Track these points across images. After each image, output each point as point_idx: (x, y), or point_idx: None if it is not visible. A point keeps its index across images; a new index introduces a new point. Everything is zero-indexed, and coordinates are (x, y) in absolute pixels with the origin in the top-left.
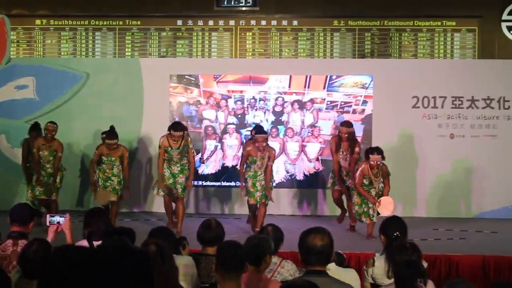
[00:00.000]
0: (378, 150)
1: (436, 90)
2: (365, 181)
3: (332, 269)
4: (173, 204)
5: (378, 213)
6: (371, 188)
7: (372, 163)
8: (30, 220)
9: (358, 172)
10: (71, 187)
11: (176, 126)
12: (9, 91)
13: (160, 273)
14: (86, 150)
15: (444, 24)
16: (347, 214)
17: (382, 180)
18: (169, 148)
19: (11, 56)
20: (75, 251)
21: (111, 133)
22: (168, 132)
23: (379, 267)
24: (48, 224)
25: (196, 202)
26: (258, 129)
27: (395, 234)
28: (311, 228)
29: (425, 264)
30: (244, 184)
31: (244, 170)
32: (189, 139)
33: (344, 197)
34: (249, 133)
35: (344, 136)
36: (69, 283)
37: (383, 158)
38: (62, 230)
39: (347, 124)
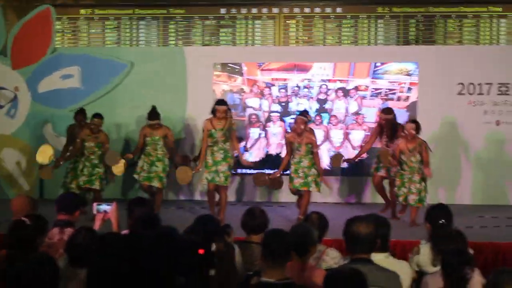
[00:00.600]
0: (412, 120)
1: (481, 77)
2: (403, 157)
3: (383, 259)
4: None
5: (420, 200)
6: (404, 164)
7: (405, 132)
8: (76, 208)
9: (395, 147)
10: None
11: (220, 101)
12: (55, 81)
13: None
14: (130, 139)
15: (489, 9)
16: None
17: (418, 157)
18: (213, 130)
19: (57, 46)
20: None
21: (152, 113)
22: (211, 116)
23: (425, 255)
24: (95, 212)
25: (239, 190)
26: (301, 111)
27: (441, 221)
28: (356, 216)
29: (471, 252)
30: (280, 171)
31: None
32: (233, 121)
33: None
34: (293, 121)
35: (382, 123)
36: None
37: (418, 128)
38: (108, 218)
39: (386, 110)
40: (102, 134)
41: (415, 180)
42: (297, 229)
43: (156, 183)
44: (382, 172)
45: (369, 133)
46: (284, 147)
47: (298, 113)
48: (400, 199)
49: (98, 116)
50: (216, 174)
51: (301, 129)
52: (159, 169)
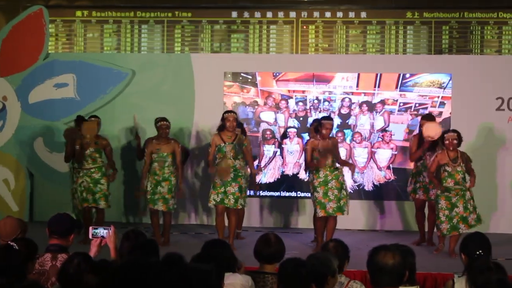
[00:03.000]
0: (454, 130)
1: None
2: (447, 168)
3: None
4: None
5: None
6: (450, 178)
7: (447, 142)
8: (71, 232)
9: (433, 158)
10: (114, 196)
11: (230, 111)
12: (48, 90)
13: None
14: (131, 155)
15: None
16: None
17: (464, 166)
18: (222, 144)
19: (50, 51)
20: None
21: (162, 117)
22: (219, 131)
23: None
24: (91, 237)
25: (252, 214)
26: (325, 116)
27: (478, 252)
28: (380, 245)
29: None
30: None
31: (313, 177)
32: (244, 137)
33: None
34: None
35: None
36: None
37: (459, 139)
38: (105, 244)
39: (428, 117)
40: (101, 139)
41: (468, 197)
42: (315, 257)
43: (160, 206)
44: (420, 195)
45: (396, 152)
46: (302, 166)
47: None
48: (443, 229)
49: (94, 117)
50: (225, 195)
51: (329, 132)
52: (165, 189)
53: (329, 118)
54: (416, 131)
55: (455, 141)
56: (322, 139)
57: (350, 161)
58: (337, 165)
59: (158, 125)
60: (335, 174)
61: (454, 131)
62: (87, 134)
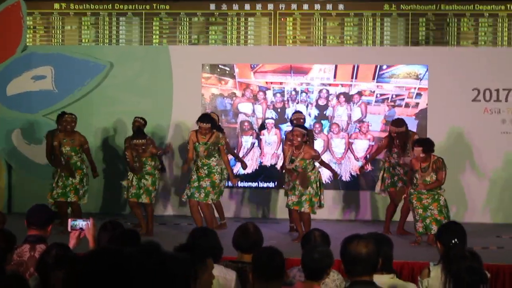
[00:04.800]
0: (420, 142)
1: (499, 82)
2: (415, 178)
3: (388, 281)
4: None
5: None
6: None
7: (415, 155)
8: (49, 222)
9: (410, 160)
10: (93, 188)
11: (204, 118)
12: (25, 82)
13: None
14: (109, 148)
15: (508, 8)
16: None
17: (434, 175)
18: (197, 144)
19: (27, 44)
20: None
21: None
22: (196, 130)
23: (435, 278)
24: (69, 229)
25: (230, 204)
26: (297, 117)
27: (453, 241)
28: (352, 235)
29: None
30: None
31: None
32: (221, 136)
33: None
34: (289, 128)
35: (394, 136)
36: None
37: (426, 150)
38: (84, 236)
39: (397, 123)
40: (77, 135)
41: (443, 204)
42: (313, 253)
43: (144, 199)
44: (399, 186)
45: (373, 143)
46: (280, 157)
47: (294, 111)
48: (418, 228)
49: (69, 113)
50: (196, 190)
51: (298, 141)
52: (148, 182)
53: (301, 126)
54: (384, 128)
55: (421, 155)
56: (293, 145)
57: (334, 166)
58: (316, 164)
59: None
60: (307, 174)
61: (420, 143)
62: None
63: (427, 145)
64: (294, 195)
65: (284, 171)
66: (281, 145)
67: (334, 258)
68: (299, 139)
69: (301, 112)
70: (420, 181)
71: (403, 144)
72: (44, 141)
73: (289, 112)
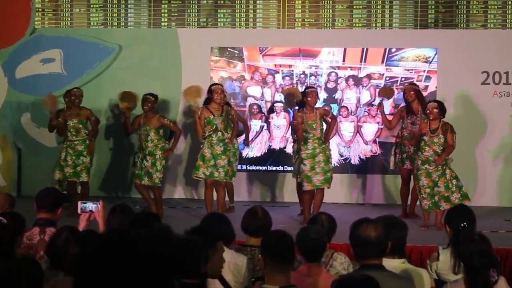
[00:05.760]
0: (435, 100)
1: (509, 65)
2: (421, 142)
3: (399, 266)
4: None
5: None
6: (427, 147)
7: (428, 111)
8: (58, 206)
9: (418, 126)
10: (101, 171)
11: (216, 83)
12: (35, 65)
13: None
14: (118, 131)
15: None
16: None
17: (440, 139)
18: (211, 117)
19: (36, 26)
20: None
21: (148, 93)
22: (206, 104)
23: (444, 262)
24: (79, 212)
25: (239, 188)
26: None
27: (462, 225)
28: (361, 218)
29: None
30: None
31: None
32: (230, 108)
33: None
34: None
35: (410, 95)
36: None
37: (441, 109)
38: (94, 218)
39: (412, 83)
40: (84, 109)
41: (449, 177)
42: (308, 232)
43: (146, 181)
44: (407, 165)
45: (382, 126)
46: (290, 139)
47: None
48: (425, 205)
49: (77, 88)
50: (214, 169)
51: (315, 102)
52: (148, 164)
53: (312, 87)
54: (402, 104)
55: (435, 110)
56: (308, 110)
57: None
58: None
59: (142, 98)
60: (322, 148)
61: (436, 101)
62: (47, 108)
63: (442, 105)
64: (317, 174)
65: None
66: (289, 128)
67: (342, 241)
68: (316, 99)
69: (314, 88)
70: (428, 146)
71: (423, 104)
72: None
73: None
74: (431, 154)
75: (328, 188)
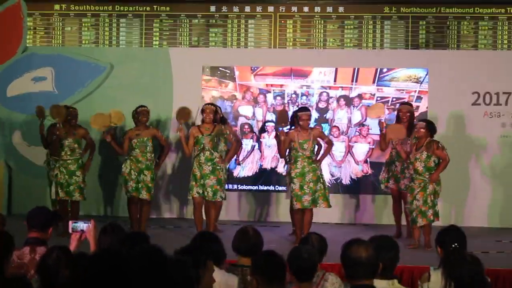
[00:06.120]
0: (424, 119)
1: (499, 85)
2: (410, 156)
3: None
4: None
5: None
6: (411, 165)
7: (415, 130)
8: (50, 225)
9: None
10: (93, 190)
11: (209, 103)
12: (26, 83)
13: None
14: (109, 148)
15: (508, 11)
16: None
17: (426, 156)
18: (200, 136)
19: (28, 45)
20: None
21: (141, 105)
22: (197, 125)
23: (436, 282)
24: (70, 231)
25: (230, 207)
26: (302, 108)
27: (453, 245)
28: (352, 239)
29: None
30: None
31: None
32: (224, 127)
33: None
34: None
35: (405, 115)
36: None
37: (428, 128)
38: (85, 238)
39: (408, 104)
40: (80, 129)
41: (430, 191)
42: (299, 252)
43: (144, 195)
44: (391, 183)
45: (373, 146)
46: (281, 160)
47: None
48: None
49: (73, 107)
50: (203, 188)
51: (307, 125)
52: (147, 178)
53: (305, 109)
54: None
55: (422, 130)
56: (301, 130)
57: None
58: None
59: (138, 110)
60: (312, 167)
61: (425, 120)
62: (55, 118)
63: (431, 124)
64: (306, 194)
65: (286, 162)
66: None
67: (333, 262)
68: (308, 121)
69: (307, 110)
70: (412, 164)
71: (411, 127)
72: None
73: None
74: (413, 172)
75: (329, 207)
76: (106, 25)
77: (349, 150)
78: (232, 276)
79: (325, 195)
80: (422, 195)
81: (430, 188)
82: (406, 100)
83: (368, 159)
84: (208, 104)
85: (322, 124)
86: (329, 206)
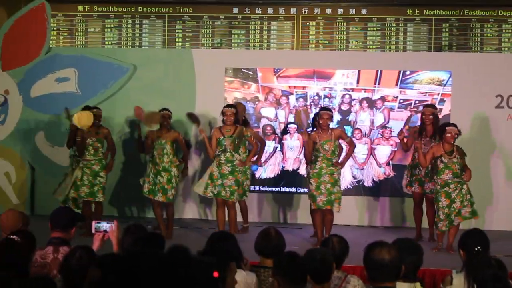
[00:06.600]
0: (454, 124)
1: None
2: (440, 165)
3: None
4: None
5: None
6: (447, 169)
7: (448, 135)
8: (72, 225)
9: (428, 150)
10: (116, 189)
11: (229, 104)
12: (49, 84)
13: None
14: (132, 149)
15: None
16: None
17: (459, 159)
18: (221, 138)
19: (51, 46)
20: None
21: (164, 108)
22: (219, 126)
23: (458, 286)
24: (93, 231)
25: (252, 209)
26: (323, 107)
27: (476, 248)
28: (376, 241)
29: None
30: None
31: (310, 167)
32: (245, 129)
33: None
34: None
35: (428, 118)
36: None
37: (459, 133)
38: (108, 238)
39: (432, 105)
40: (103, 128)
41: (465, 191)
42: (315, 253)
43: (160, 197)
44: (415, 187)
45: (396, 149)
46: (303, 161)
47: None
48: (442, 226)
49: (96, 108)
50: (222, 188)
51: (327, 124)
52: (164, 180)
53: (326, 108)
54: (417, 124)
55: (456, 135)
56: (321, 130)
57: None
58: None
59: (161, 115)
60: (330, 169)
61: (455, 125)
62: (81, 127)
63: (459, 129)
64: (322, 194)
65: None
66: (303, 150)
67: (355, 264)
68: (328, 121)
69: (328, 109)
70: (448, 168)
71: (435, 129)
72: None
73: (311, 117)
74: (449, 177)
75: (338, 211)
76: (129, 26)
77: (371, 152)
78: (250, 274)
79: (340, 199)
80: (459, 197)
81: (465, 188)
82: (428, 103)
83: (390, 161)
84: (228, 106)
85: (345, 126)
86: (339, 210)
